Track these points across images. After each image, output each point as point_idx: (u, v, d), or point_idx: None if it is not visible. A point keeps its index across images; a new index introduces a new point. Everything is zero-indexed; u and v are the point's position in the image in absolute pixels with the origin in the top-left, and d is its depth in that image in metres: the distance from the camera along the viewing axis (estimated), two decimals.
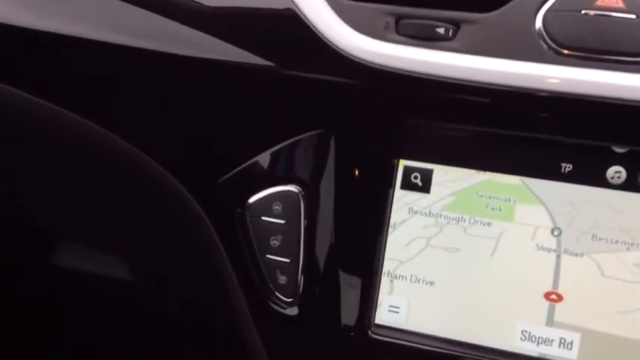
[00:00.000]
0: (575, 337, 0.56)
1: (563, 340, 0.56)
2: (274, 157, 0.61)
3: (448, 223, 0.59)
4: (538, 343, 0.57)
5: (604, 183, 0.55)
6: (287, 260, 0.61)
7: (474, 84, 0.54)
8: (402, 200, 0.60)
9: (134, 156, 0.66)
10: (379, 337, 0.59)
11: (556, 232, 0.56)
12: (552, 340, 0.56)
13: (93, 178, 0.73)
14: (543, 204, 0.57)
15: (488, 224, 0.58)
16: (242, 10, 0.61)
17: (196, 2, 0.62)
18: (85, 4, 0.66)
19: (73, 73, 0.66)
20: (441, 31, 0.55)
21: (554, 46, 0.53)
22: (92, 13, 0.64)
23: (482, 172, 0.58)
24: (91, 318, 0.92)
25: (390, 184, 0.60)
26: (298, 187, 0.61)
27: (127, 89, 0.66)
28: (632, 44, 0.51)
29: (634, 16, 0.51)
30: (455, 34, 0.55)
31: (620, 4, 0.51)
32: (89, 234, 0.82)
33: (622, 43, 0.51)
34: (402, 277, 0.60)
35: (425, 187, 0.59)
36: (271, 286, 0.61)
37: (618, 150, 0.55)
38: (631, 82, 0.51)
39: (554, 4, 0.53)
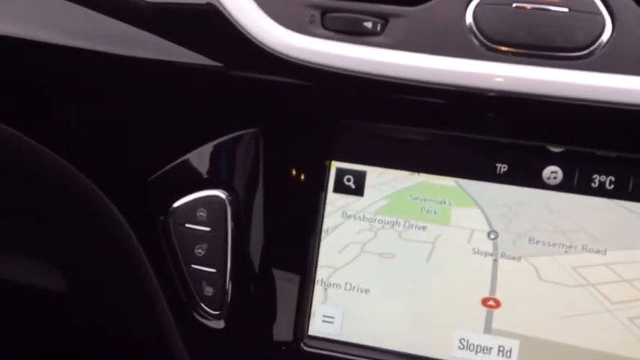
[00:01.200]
0: (514, 345, 0.54)
1: (501, 348, 0.54)
2: (199, 158, 0.58)
3: (382, 227, 0.56)
4: (477, 352, 0.54)
5: (540, 184, 0.53)
6: (213, 270, 0.57)
7: (403, 81, 0.51)
8: (334, 204, 0.57)
9: (50, 157, 0.62)
10: (313, 350, 0.56)
11: (492, 236, 0.54)
12: (491, 348, 0.54)
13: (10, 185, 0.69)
14: (479, 206, 0.55)
15: (424, 228, 0.55)
16: (168, 5, 0.58)
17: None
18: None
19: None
20: (369, 25, 0.52)
21: (484, 41, 0.50)
22: (23, 10, 0.60)
23: (416, 174, 0.55)
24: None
25: (322, 187, 0.57)
26: (225, 192, 0.57)
27: (47, 88, 0.62)
28: (564, 39, 0.49)
29: (566, 10, 0.49)
30: (383, 29, 0.52)
31: None
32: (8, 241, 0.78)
33: (554, 38, 0.49)
34: (336, 285, 0.57)
35: (358, 190, 0.56)
36: (197, 297, 0.58)
37: (554, 149, 0.53)
38: (564, 78, 0.49)
39: None
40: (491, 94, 0.50)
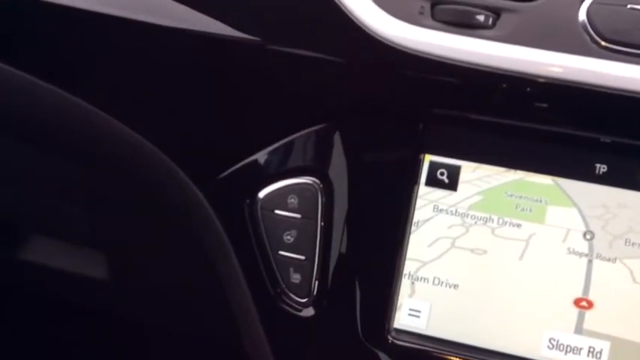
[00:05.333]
0: (605, 346, 0.51)
1: (592, 349, 0.51)
2: (292, 147, 0.55)
3: (475, 223, 0.53)
4: (566, 352, 0.51)
5: None
6: (302, 257, 0.54)
7: (513, 74, 0.49)
8: (426, 197, 0.54)
9: (137, 145, 0.59)
10: (398, 342, 0.53)
11: (588, 236, 0.51)
12: (581, 349, 0.51)
13: (95, 171, 0.65)
14: (576, 206, 0.52)
15: (518, 225, 0.52)
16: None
17: None
18: None
19: (85, 55, 0.58)
20: (481, 18, 0.49)
21: (597, 39, 0.48)
22: None
23: (512, 171, 0.52)
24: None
25: (415, 180, 0.54)
26: (316, 180, 0.54)
27: (141, 81, 0.58)
28: None
29: None
30: (495, 23, 0.50)
31: None
32: (84, 233, 0.74)
33: None
34: (424, 279, 0.53)
35: (451, 185, 0.53)
36: (283, 285, 0.54)
37: None
38: None
39: None
40: (600, 91, 0.48)
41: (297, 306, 0.54)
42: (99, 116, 0.58)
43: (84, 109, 0.58)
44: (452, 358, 0.52)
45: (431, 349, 0.52)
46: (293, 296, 0.54)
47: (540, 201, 0.52)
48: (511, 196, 0.53)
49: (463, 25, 0.50)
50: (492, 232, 0.53)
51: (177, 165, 0.58)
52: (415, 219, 0.54)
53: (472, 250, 0.53)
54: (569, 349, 0.51)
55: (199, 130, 0.57)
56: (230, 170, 0.56)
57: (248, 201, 0.56)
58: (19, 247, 0.82)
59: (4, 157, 0.72)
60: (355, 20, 0.51)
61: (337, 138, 0.54)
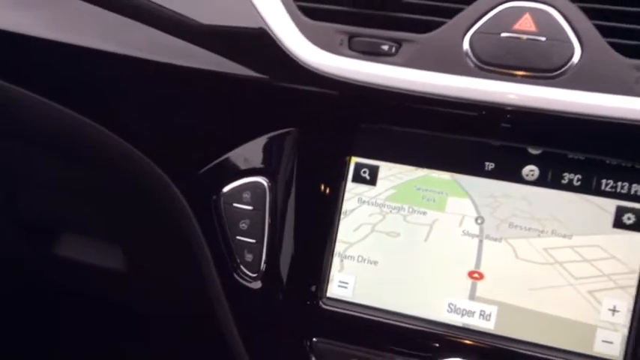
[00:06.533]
0: (493, 310, 0.61)
1: (482, 312, 0.61)
2: (246, 152, 0.66)
3: (390, 211, 0.64)
4: (462, 315, 0.62)
5: (521, 179, 0.61)
6: (253, 241, 0.65)
7: (412, 93, 0.59)
8: (352, 191, 0.65)
9: (130, 154, 0.71)
10: (329, 308, 0.64)
11: (479, 221, 0.62)
12: (474, 312, 0.61)
13: (92, 173, 0.78)
14: (469, 196, 0.62)
15: (424, 213, 0.63)
16: (226, 28, 0.66)
17: (193, 21, 0.67)
18: (92, 21, 0.71)
19: (81, 79, 0.71)
20: (386, 47, 0.60)
21: (478, 63, 0.58)
22: (100, 27, 0.69)
23: (420, 169, 0.63)
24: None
25: (343, 178, 0.65)
26: (266, 179, 0.66)
27: (129, 94, 0.71)
28: (542, 61, 0.57)
29: (544, 39, 0.57)
30: (397, 51, 0.60)
31: (533, 28, 0.57)
32: (79, 225, 0.87)
33: (534, 60, 0.57)
34: (350, 257, 0.64)
35: (372, 181, 0.64)
36: (239, 263, 0.66)
37: (533, 152, 0.60)
38: (542, 93, 0.57)
39: (478, 27, 0.58)
40: (481, 104, 0.58)
41: (250, 279, 0.66)
42: (93, 128, 0.71)
43: (81, 123, 0.71)
44: (373, 319, 0.63)
45: (356, 313, 0.63)
46: (247, 272, 0.66)
47: (442, 193, 0.63)
48: (419, 189, 0.63)
49: (372, 53, 0.61)
50: (404, 218, 0.63)
51: (160, 169, 0.70)
52: (344, 209, 0.65)
53: (388, 233, 0.64)
54: (464, 312, 0.62)
55: (176, 143, 0.69)
56: (200, 172, 0.68)
57: (214, 197, 0.67)
58: None
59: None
60: (288, 52, 0.62)
61: (281, 145, 0.65)
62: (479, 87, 0.58)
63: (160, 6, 0.67)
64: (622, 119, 0.55)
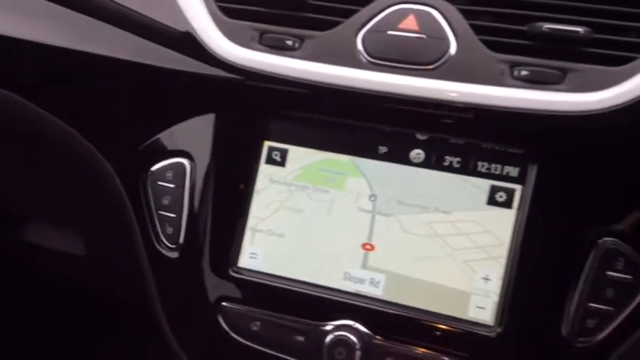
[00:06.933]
0: (382, 278, 0.68)
1: (372, 280, 0.68)
2: (171, 135, 0.74)
3: (297, 190, 0.70)
4: (355, 282, 0.68)
5: (408, 162, 0.68)
6: (174, 215, 0.72)
7: (311, 83, 0.67)
8: (265, 172, 0.71)
9: (75, 140, 0.78)
10: (239, 276, 0.71)
11: (372, 198, 0.68)
12: (365, 280, 0.68)
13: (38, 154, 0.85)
14: (365, 177, 0.69)
15: (326, 191, 0.70)
16: (154, 23, 0.73)
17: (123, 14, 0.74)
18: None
19: (21, 68, 0.78)
20: (290, 42, 0.68)
21: (368, 57, 0.65)
22: (38, 18, 0.77)
23: (323, 152, 0.70)
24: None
25: (257, 160, 0.71)
26: (187, 160, 0.73)
27: (64, 82, 0.78)
28: (421, 56, 0.64)
29: (425, 36, 0.64)
30: (300, 46, 0.68)
31: (416, 27, 0.65)
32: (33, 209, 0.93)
33: (414, 55, 0.64)
34: (261, 230, 0.71)
35: (282, 162, 0.71)
36: (161, 235, 0.73)
37: (420, 137, 0.67)
38: (423, 84, 0.64)
39: (370, 27, 0.66)
40: (373, 93, 0.65)
41: (169, 250, 0.73)
42: (39, 115, 0.78)
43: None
44: (277, 286, 0.70)
45: (262, 281, 0.70)
46: (167, 242, 0.73)
47: (341, 173, 0.69)
48: (321, 170, 0.70)
49: (279, 47, 0.68)
50: (308, 196, 0.70)
51: (99, 152, 0.77)
52: (256, 187, 0.71)
53: (294, 210, 0.70)
54: (357, 280, 0.68)
55: (110, 127, 0.77)
56: (131, 154, 0.75)
57: (144, 175, 0.74)
58: None
59: None
60: (206, 46, 0.69)
61: (202, 129, 0.73)
62: (368, 78, 0.65)
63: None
64: (490, 107, 0.62)
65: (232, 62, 0.69)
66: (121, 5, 0.74)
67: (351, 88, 0.66)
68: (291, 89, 0.68)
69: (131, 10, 0.73)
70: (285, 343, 0.68)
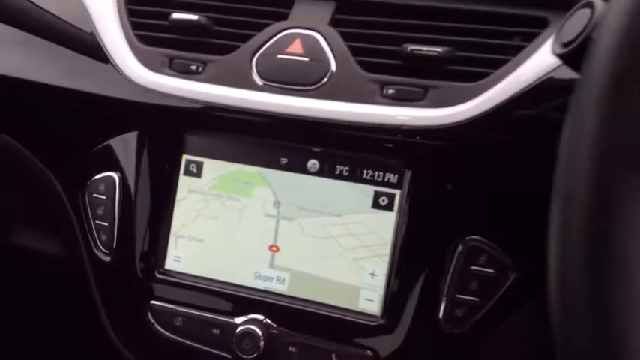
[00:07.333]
0: (287, 276, 0.75)
1: (279, 277, 0.75)
2: (102, 152, 0.82)
3: (212, 198, 0.78)
4: (264, 280, 0.76)
5: (306, 171, 0.74)
6: (106, 224, 0.81)
7: (213, 104, 0.74)
8: (184, 183, 0.79)
9: (27, 157, 0.87)
10: (165, 277, 0.79)
11: (277, 205, 0.76)
12: (272, 278, 0.76)
13: None
14: (270, 186, 0.76)
15: (237, 200, 0.77)
16: (79, 50, 0.81)
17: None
18: None
19: None
20: (194, 67, 0.75)
21: (261, 79, 0.72)
22: None
23: (234, 164, 0.77)
24: None
25: (177, 172, 0.79)
26: (116, 174, 0.81)
27: (14, 107, 0.87)
28: (305, 77, 0.71)
29: (308, 59, 0.71)
30: (203, 70, 0.75)
31: (301, 51, 0.71)
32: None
33: (299, 77, 0.71)
34: (182, 236, 0.79)
35: (198, 174, 0.79)
36: (97, 241, 0.82)
37: (314, 149, 0.74)
38: (305, 104, 0.70)
39: (263, 51, 0.72)
40: (265, 113, 0.72)
41: (104, 254, 0.81)
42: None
43: None
44: (197, 285, 0.78)
45: (185, 281, 0.78)
46: (102, 248, 0.81)
47: (249, 183, 0.77)
48: (233, 180, 0.78)
49: (185, 72, 0.75)
50: (222, 204, 0.78)
51: (46, 168, 0.86)
52: (177, 197, 0.79)
53: (210, 217, 0.78)
54: (265, 278, 0.76)
55: (53, 145, 0.85)
56: (72, 169, 0.84)
57: (82, 188, 0.83)
58: None
59: None
60: (122, 72, 0.77)
61: (128, 146, 0.80)
62: (259, 99, 0.72)
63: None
64: (363, 124, 0.69)
65: (145, 86, 0.76)
66: (54, 34, 0.83)
67: (245, 108, 0.73)
68: (198, 109, 0.75)
69: (58, 40, 0.81)
70: (203, 335, 0.76)
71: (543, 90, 0.64)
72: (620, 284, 0.36)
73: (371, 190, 0.72)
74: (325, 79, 0.70)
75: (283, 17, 0.74)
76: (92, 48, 0.80)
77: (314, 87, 0.70)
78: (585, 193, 0.38)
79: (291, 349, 0.73)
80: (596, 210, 0.37)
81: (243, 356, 0.73)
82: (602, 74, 0.40)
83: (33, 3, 0.83)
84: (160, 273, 0.79)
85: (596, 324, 0.36)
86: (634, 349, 0.35)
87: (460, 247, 0.68)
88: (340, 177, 0.74)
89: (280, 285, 0.76)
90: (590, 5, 0.52)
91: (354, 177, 0.73)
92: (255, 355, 0.72)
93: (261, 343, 0.73)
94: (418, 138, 0.67)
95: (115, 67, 0.78)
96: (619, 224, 0.36)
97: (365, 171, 0.73)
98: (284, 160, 0.76)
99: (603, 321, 0.36)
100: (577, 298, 0.37)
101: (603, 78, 0.40)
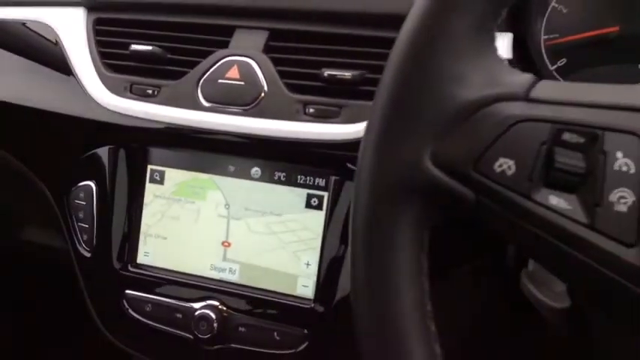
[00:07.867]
0: (237, 267, 0.88)
1: (231, 269, 0.88)
2: (81, 164, 0.94)
3: (173, 202, 0.90)
4: (218, 271, 0.89)
5: (250, 177, 0.86)
6: (87, 226, 0.94)
7: (168, 124, 0.86)
8: (149, 189, 0.92)
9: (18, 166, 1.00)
10: (137, 270, 0.92)
11: (227, 207, 0.88)
12: (225, 269, 0.88)
13: None
14: (221, 190, 0.88)
15: (193, 202, 0.89)
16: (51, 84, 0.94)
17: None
18: None
19: None
20: (150, 91, 0.87)
21: (206, 102, 0.84)
22: None
23: (190, 172, 0.89)
24: None
25: (144, 180, 0.92)
26: (94, 182, 0.94)
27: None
28: (240, 99, 0.82)
29: (243, 83, 0.82)
30: (157, 93, 0.86)
31: (237, 76, 0.82)
32: None
33: (236, 99, 0.82)
34: (150, 235, 0.92)
35: (161, 181, 0.91)
36: (81, 241, 0.95)
37: (255, 159, 0.86)
38: (241, 122, 0.81)
39: (207, 76, 0.84)
40: (209, 131, 0.84)
41: (86, 251, 0.95)
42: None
43: None
44: (163, 277, 0.91)
45: (153, 273, 0.91)
46: (84, 246, 0.94)
47: (204, 188, 0.89)
48: (190, 186, 0.90)
49: (143, 95, 0.87)
50: (182, 207, 0.90)
51: (35, 175, 0.99)
52: (145, 202, 0.92)
53: (172, 218, 0.91)
54: (219, 270, 0.89)
55: (39, 158, 0.98)
56: (58, 178, 0.97)
57: (67, 195, 0.96)
58: None
59: None
60: (91, 96, 0.89)
61: (102, 159, 0.93)
62: (204, 119, 0.83)
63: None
64: (290, 139, 0.80)
65: (110, 109, 0.88)
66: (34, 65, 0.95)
67: (194, 127, 0.84)
68: (155, 128, 0.87)
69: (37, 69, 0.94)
70: (168, 319, 0.89)
71: None
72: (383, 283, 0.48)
73: (304, 192, 0.84)
74: (258, 101, 0.81)
75: (225, 45, 0.85)
76: (66, 75, 0.92)
77: (249, 107, 0.81)
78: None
79: (241, 329, 0.86)
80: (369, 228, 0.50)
81: (200, 336, 0.86)
82: None
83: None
84: (132, 266, 0.92)
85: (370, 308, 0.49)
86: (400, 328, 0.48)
87: None
88: (279, 182, 0.85)
89: (232, 275, 0.88)
90: None
91: (290, 182, 0.85)
92: (209, 335, 0.85)
93: (215, 325, 0.86)
94: (336, 149, 0.78)
95: (85, 92, 0.90)
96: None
97: (299, 176, 0.84)
98: (232, 168, 0.87)
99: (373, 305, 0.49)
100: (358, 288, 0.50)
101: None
